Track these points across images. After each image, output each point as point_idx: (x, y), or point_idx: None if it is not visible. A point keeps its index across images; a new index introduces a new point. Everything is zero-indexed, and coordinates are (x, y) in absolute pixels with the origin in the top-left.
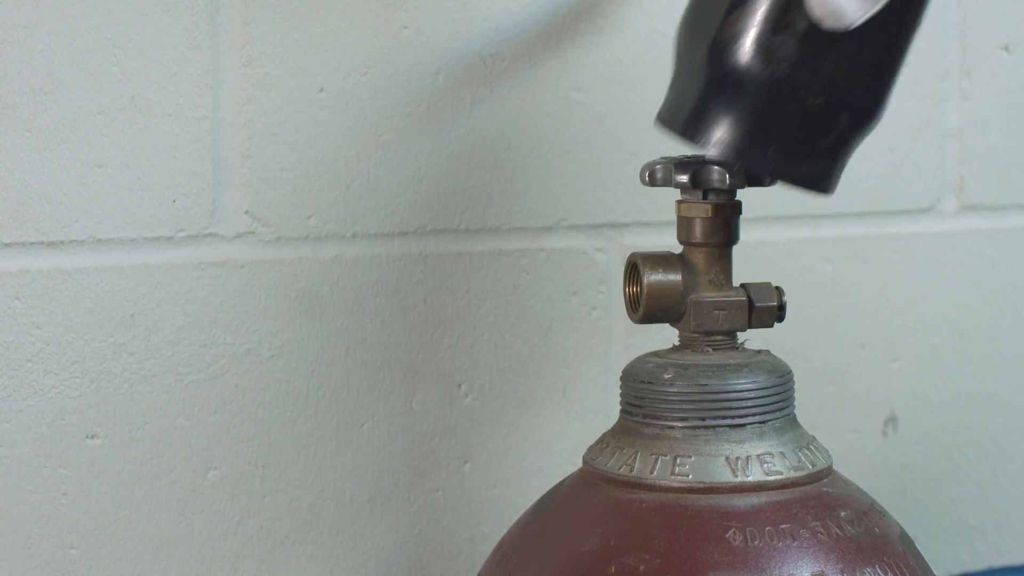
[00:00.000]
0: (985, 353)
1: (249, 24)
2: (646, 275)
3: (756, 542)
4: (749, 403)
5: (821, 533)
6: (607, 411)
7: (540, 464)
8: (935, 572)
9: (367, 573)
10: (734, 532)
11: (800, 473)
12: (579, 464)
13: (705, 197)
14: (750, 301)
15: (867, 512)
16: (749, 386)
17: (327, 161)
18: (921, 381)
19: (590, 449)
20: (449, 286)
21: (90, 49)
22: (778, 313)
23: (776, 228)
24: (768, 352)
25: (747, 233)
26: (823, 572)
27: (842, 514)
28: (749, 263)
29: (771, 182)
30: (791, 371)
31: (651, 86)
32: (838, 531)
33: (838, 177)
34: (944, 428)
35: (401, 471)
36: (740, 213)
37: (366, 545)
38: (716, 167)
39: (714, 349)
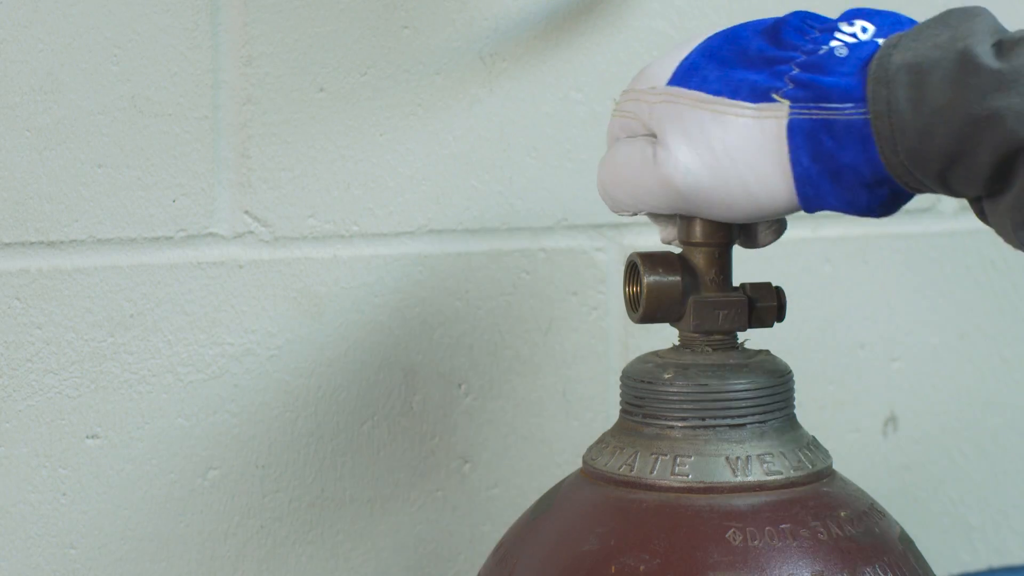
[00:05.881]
0: (985, 353)
1: (249, 24)
2: (645, 275)
3: (756, 542)
4: (749, 403)
5: (821, 533)
6: (607, 411)
7: (540, 464)
8: (935, 572)
9: (367, 573)
10: (734, 532)
11: (800, 473)
12: (579, 464)
13: None
14: (750, 301)
15: (867, 512)
16: (749, 386)
17: (327, 161)
18: (921, 381)
19: (590, 449)
20: (449, 286)
21: (90, 49)
22: (778, 313)
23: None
24: (768, 352)
25: None
26: (823, 572)
27: (842, 514)
28: (749, 263)
29: None
30: (791, 371)
31: None
32: (838, 531)
33: None
34: (944, 428)
35: (401, 471)
36: None
37: (366, 545)
38: None
39: (714, 349)
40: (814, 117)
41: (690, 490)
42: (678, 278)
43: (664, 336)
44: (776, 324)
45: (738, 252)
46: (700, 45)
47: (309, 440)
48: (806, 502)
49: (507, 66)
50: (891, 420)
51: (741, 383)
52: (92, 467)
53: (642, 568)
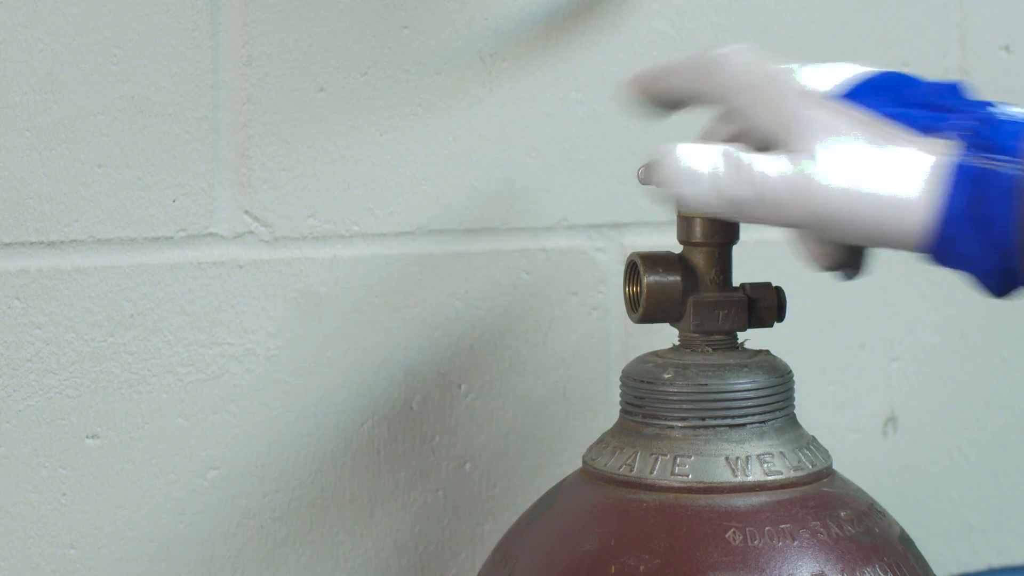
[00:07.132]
0: (985, 353)
1: (249, 24)
2: (645, 275)
3: (756, 542)
4: (749, 403)
5: (821, 533)
6: (607, 411)
7: (540, 464)
8: (935, 572)
9: (367, 573)
10: (734, 532)
11: (800, 473)
12: (579, 464)
13: None
14: (750, 301)
15: (867, 512)
16: (749, 386)
17: (327, 161)
18: (921, 381)
19: (590, 449)
20: (449, 286)
21: (90, 49)
22: (778, 313)
23: (776, 228)
24: (768, 352)
25: (747, 233)
26: (823, 572)
27: (842, 514)
28: (749, 263)
29: None
30: (791, 371)
31: None
32: (838, 531)
33: None
34: (944, 428)
35: (401, 471)
36: None
37: (366, 545)
38: None
39: (714, 349)
40: (983, 165)
41: (690, 490)
42: (678, 278)
43: (664, 336)
44: (776, 324)
45: (738, 252)
46: (849, 89)
47: (309, 440)
48: (806, 502)
49: (507, 66)
50: (891, 420)
51: (741, 383)
52: (92, 467)
53: (642, 568)
